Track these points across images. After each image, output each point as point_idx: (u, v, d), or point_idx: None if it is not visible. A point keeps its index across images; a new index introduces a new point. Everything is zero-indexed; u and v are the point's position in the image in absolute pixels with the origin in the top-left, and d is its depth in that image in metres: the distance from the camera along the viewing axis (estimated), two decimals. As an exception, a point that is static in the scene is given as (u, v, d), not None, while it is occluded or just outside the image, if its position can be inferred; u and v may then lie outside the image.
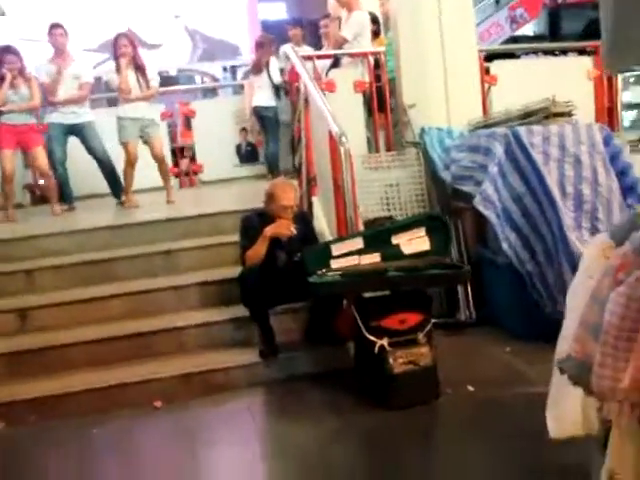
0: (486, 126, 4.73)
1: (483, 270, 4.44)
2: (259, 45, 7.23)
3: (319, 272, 3.49)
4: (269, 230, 3.73)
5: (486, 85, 5.51)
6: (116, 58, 5.87)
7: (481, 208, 4.18)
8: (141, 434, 3.53)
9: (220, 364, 3.82)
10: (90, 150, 6.20)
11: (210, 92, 9.69)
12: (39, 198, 7.06)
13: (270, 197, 3.85)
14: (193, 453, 3.23)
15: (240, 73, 9.95)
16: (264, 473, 3.08)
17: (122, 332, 4.02)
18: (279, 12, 15.69)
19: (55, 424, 3.56)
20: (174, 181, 7.04)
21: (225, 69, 10.10)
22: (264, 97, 7.05)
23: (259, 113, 7.13)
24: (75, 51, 6.43)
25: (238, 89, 9.05)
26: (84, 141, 6.19)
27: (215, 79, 11.50)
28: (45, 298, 4.32)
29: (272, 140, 7.16)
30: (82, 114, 6.18)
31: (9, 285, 4.48)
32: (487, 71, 5.60)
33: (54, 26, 6.12)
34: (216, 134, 7.47)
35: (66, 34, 6.14)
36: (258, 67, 7.07)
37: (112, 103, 6.48)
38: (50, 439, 3.48)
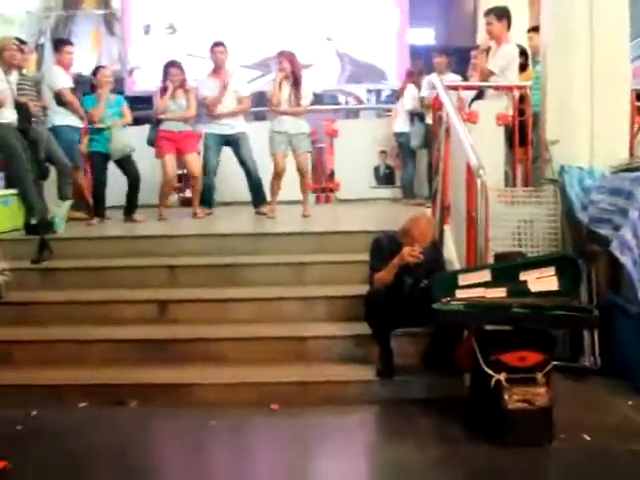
0: (631, 169, 4.58)
1: (613, 317, 4.29)
2: (409, 74, 7.42)
3: (444, 300, 3.54)
4: (399, 259, 3.81)
5: (636, 126, 5.31)
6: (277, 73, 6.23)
7: (617, 253, 4.05)
8: (255, 433, 3.72)
9: (338, 377, 3.96)
10: (241, 160, 6.59)
11: (353, 113, 9.97)
12: (184, 200, 7.55)
13: (406, 233, 3.91)
14: (301, 459, 3.38)
15: (383, 97, 10.28)
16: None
17: (249, 334, 4.27)
18: (427, 38, 15.88)
19: (179, 410, 3.84)
20: (311, 196, 7.31)
21: (369, 92, 10.38)
22: (400, 123, 7.24)
23: (397, 138, 7.34)
24: (232, 67, 6.84)
25: (381, 112, 9.24)
26: (237, 151, 6.58)
27: (359, 100, 11.84)
28: (183, 293, 4.66)
29: (406, 165, 7.31)
30: (237, 126, 6.58)
31: (152, 278, 4.87)
32: (638, 111, 5.39)
33: (216, 44, 6.58)
34: (356, 154, 7.67)
35: (226, 51, 6.56)
36: (400, 94, 7.28)
37: (260, 117, 6.84)
38: (172, 423, 3.78)
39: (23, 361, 4.29)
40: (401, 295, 3.83)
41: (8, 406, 3.84)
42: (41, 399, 3.94)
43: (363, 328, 4.04)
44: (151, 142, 6.47)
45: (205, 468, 3.40)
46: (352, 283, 4.55)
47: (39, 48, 15.71)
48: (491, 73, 5.72)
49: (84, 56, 11.57)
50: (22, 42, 6.38)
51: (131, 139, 6.42)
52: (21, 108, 5.73)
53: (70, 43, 6.69)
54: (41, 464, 3.30)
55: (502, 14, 5.78)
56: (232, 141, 6.58)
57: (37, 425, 3.74)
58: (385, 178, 7.93)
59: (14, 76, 5.75)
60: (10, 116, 5.60)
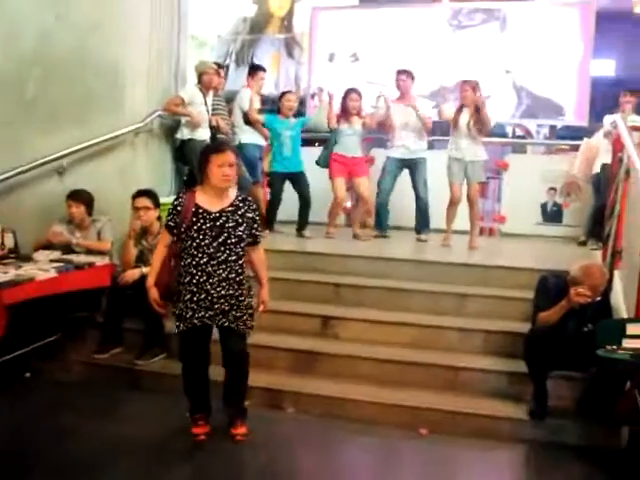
0: None
1: None
2: None
3: (609, 347, 3.47)
4: (567, 302, 3.77)
5: None
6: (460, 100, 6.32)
7: None
8: (401, 454, 3.83)
9: (489, 411, 3.98)
10: (414, 185, 6.74)
11: (520, 147, 9.80)
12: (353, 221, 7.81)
13: (577, 282, 3.83)
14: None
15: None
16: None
17: (405, 358, 4.40)
18: (607, 69, 15.19)
19: (332, 422, 4.06)
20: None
21: (539, 126, 10.14)
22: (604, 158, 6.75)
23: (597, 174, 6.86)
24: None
25: (551, 148, 9.03)
26: (412, 175, 6.75)
27: (529, 133, 11.60)
28: (347, 311, 4.89)
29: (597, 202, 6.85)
30: (417, 151, 6.74)
31: (319, 293, 5.14)
32: None
33: (400, 72, 6.79)
34: (523, 189, 7.56)
35: (410, 79, 6.74)
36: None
37: (440, 145, 6.93)
38: (324, 433, 3.98)
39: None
40: (563, 337, 3.79)
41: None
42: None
43: (518, 365, 4.04)
44: (321, 163, 6.80)
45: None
46: (511, 319, 4.56)
47: (225, 68, 17.00)
48: None
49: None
50: (219, 66, 6.97)
51: (305, 160, 6.80)
52: (214, 126, 6.28)
53: (264, 69, 7.20)
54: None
55: None
56: (411, 165, 6.74)
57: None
58: (552, 215, 7.74)
59: (210, 97, 6.31)
60: (204, 134, 6.15)
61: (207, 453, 3.65)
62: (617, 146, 5.12)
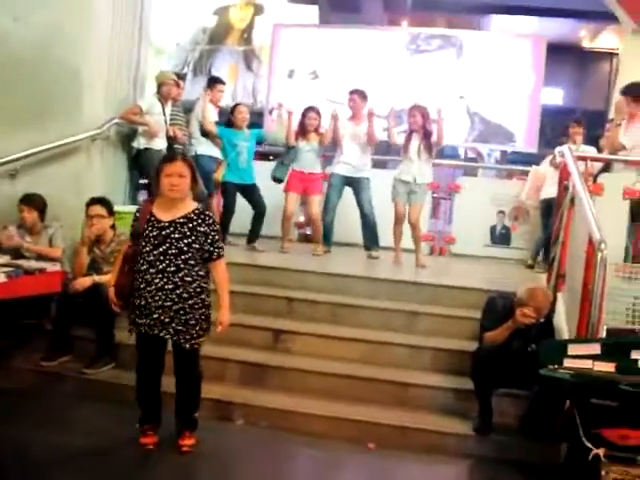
0: None
1: None
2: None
3: (551, 366, 3.60)
4: (513, 322, 3.91)
5: None
6: (409, 125, 6.48)
7: None
8: (348, 467, 3.90)
9: (436, 426, 4.08)
10: (359, 203, 6.86)
11: (471, 170, 10.06)
12: (304, 237, 7.90)
13: (522, 304, 3.99)
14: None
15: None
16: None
17: (355, 373, 4.47)
18: (555, 98, 15.75)
19: (280, 435, 4.08)
20: (425, 246, 7.48)
21: (491, 150, 10.45)
22: (550, 189, 6.94)
23: (548, 203, 7.09)
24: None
25: (501, 173, 9.29)
26: (356, 194, 6.87)
27: (480, 155, 11.93)
28: (299, 326, 4.93)
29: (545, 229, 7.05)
30: (362, 169, 6.87)
31: (270, 307, 5.17)
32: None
33: (352, 92, 6.93)
34: (473, 211, 7.77)
35: (362, 99, 6.88)
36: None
37: (381, 165, 7.10)
38: (271, 445, 4.00)
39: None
40: (508, 356, 3.92)
41: (132, 404, 4.23)
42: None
43: (465, 383, 4.16)
44: (277, 176, 6.87)
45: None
46: (459, 337, 4.69)
47: (184, 79, 16.97)
48: (623, 147, 5.72)
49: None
50: (179, 76, 6.99)
51: (261, 175, 6.87)
52: (170, 136, 6.29)
53: (222, 82, 7.24)
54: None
55: (638, 95, 5.79)
56: (354, 183, 6.87)
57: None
58: (501, 238, 7.97)
59: (168, 107, 6.32)
60: (162, 144, 6.16)
61: (154, 463, 3.63)
62: (563, 175, 5.32)
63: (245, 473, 3.75)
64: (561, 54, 14.23)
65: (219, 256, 3.62)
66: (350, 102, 6.90)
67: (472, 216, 7.75)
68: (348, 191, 6.96)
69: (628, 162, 5.75)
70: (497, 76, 8.25)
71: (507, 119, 8.36)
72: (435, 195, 8.03)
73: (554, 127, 9.65)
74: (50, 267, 4.73)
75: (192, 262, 3.52)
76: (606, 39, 14.14)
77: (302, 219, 7.95)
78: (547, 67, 8.76)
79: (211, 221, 3.57)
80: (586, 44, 14.19)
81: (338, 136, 6.81)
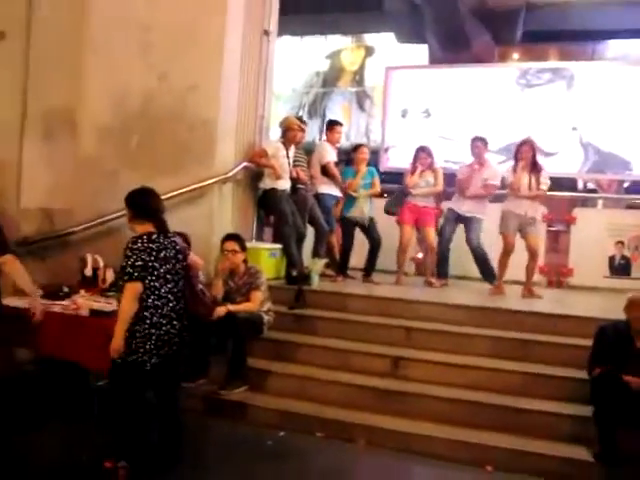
0: None
1: None
2: None
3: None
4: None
5: None
6: (516, 160, 6.65)
7: None
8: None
9: (556, 452, 4.18)
10: (468, 240, 7.06)
11: (589, 201, 9.95)
12: (420, 269, 8.12)
13: (629, 306, 4.16)
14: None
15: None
16: None
17: (473, 399, 4.65)
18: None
19: (398, 455, 4.34)
20: (541, 278, 7.51)
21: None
22: None
23: None
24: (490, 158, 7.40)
25: (620, 202, 9.15)
26: (467, 230, 7.08)
27: (600, 187, 11.70)
28: (417, 353, 5.18)
29: None
30: (474, 211, 7.10)
31: (389, 336, 5.45)
32: None
33: (476, 138, 7.20)
34: (591, 242, 7.72)
35: (485, 146, 7.17)
36: None
37: (497, 199, 7.26)
38: (388, 465, 4.27)
39: (275, 390, 5.10)
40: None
41: (264, 425, 4.64)
42: (288, 423, 4.68)
43: (585, 410, 4.23)
44: (388, 211, 7.20)
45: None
46: (574, 366, 4.74)
47: (306, 123, 17.66)
48: None
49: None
50: (302, 121, 7.50)
51: (378, 208, 7.21)
52: (294, 177, 6.76)
53: (340, 124, 7.70)
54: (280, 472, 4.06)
55: None
56: (466, 220, 7.07)
57: (283, 443, 4.46)
58: (620, 269, 7.85)
59: (292, 150, 6.82)
60: (285, 184, 6.63)
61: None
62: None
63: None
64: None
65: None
66: (475, 149, 7.16)
67: (589, 247, 7.70)
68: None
69: None
70: (609, 105, 8.20)
71: (622, 147, 8.26)
72: (551, 227, 8.04)
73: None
74: (190, 298, 5.23)
75: None
76: None
77: (420, 255, 8.14)
78: None
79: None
80: None
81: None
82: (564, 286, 7.93)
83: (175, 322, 3.85)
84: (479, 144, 7.16)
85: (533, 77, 8.58)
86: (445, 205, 7.41)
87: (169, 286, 3.83)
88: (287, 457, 4.30)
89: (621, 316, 4.44)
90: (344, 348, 5.37)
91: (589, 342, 4.54)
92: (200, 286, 4.19)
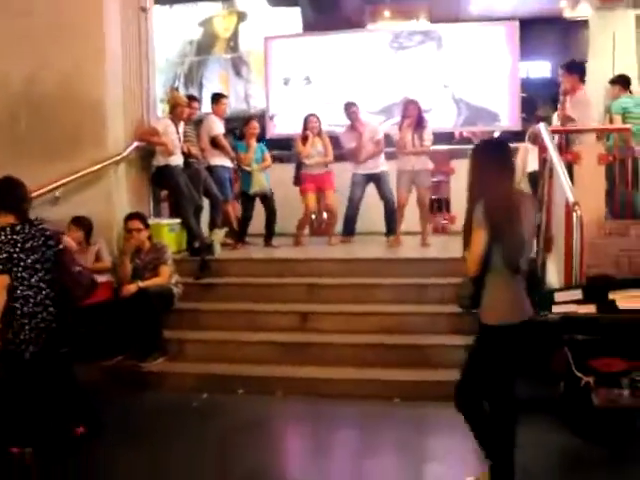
0: None
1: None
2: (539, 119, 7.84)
3: (542, 314, 4.22)
4: None
5: None
6: (402, 118, 7.10)
7: None
8: (379, 418, 4.51)
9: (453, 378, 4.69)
10: (381, 195, 7.49)
11: (467, 151, 10.60)
12: (317, 229, 8.47)
13: None
14: (416, 441, 4.16)
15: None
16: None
17: (377, 342, 5.11)
18: (543, 70, 16.25)
19: (315, 400, 4.73)
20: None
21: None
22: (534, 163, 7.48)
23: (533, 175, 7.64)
24: (365, 116, 7.82)
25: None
26: (378, 188, 7.50)
27: (475, 135, 12.44)
28: (322, 307, 5.57)
29: None
30: (379, 165, 7.52)
31: (294, 294, 5.81)
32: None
33: (349, 104, 7.59)
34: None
35: (358, 109, 7.58)
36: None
37: (390, 157, 7.72)
38: (310, 411, 4.67)
39: (193, 356, 5.35)
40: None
41: (187, 390, 4.90)
42: (210, 385, 4.96)
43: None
44: (297, 182, 7.55)
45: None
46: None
47: (174, 91, 17.45)
48: (570, 119, 6.28)
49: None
50: (191, 98, 7.61)
51: (271, 175, 7.50)
52: (185, 152, 6.91)
53: (225, 96, 7.88)
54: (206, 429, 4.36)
55: (572, 67, 6.44)
56: (374, 179, 7.49)
57: (208, 404, 4.75)
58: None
59: (181, 126, 6.94)
60: (178, 160, 6.76)
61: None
62: (541, 149, 5.91)
63: (279, 432, 4.41)
64: (545, 26, 14.64)
65: None
66: (349, 114, 7.56)
67: (464, 194, 8.29)
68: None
69: (603, 130, 6.41)
70: (476, 62, 8.79)
71: (490, 102, 8.91)
72: (432, 179, 8.60)
73: (544, 99, 10.28)
74: (100, 278, 5.35)
75: None
76: (584, 8, 14.58)
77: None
78: (532, 41, 9.20)
79: None
80: (567, 14, 14.53)
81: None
82: (448, 232, 8.55)
83: (50, 309, 3.82)
84: (354, 109, 7.55)
85: (405, 40, 9.03)
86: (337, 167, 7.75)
87: (39, 275, 3.78)
88: (213, 415, 4.59)
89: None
90: (253, 309, 5.69)
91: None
92: (77, 268, 4.08)
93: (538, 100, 12.21)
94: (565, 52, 15.45)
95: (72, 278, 4.00)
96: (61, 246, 3.97)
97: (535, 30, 13.91)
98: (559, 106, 6.59)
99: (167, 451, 4.05)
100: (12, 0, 6.04)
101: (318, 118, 7.48)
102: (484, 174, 3.26)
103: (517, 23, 8.73)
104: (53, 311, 3.86)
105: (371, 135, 7.50)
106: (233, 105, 15.01)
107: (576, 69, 6.49)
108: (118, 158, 6.21)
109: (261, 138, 8.11)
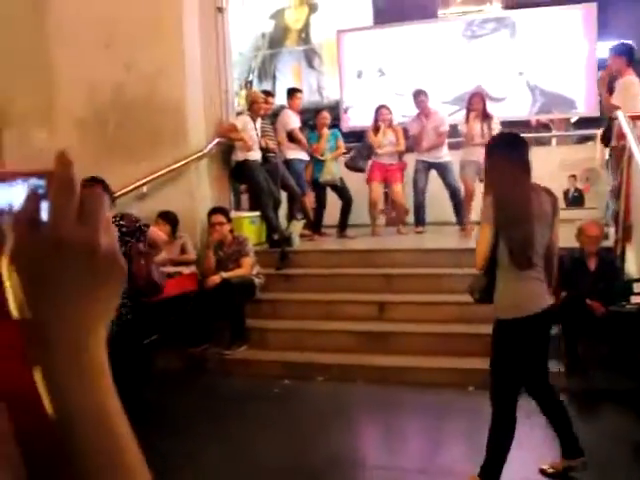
0: None
1: None
2: None
3: (620, 304, 4.24)
4: None
5: None
6: (468, 111, 7.14)
7: None
8: (454, 405, 4.61)
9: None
10: (446, 184, 7.56)
11: (544, 139, 10.50)
12: (391, 220, 8.60)
13: (579, 233, 4.78)
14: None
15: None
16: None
17: (451, 331, 5.21)
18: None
19: (392, 388, 4.88)
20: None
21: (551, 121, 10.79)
22: None
23: None
24: (435, 104, 7.86)
25: (567, 140, 9.70)
26: (442, 177, 7.57)
27: (552, 122, 12.26)
28: (399, 297, 5.71)
29: None
30: (442, 156, 7.58)
31: (371, 284, 5.96)
32: None
33: (418, 92, 7.65)
34: (545, 178, 8.25)
35: (427, 98, 7.63)
36: None
37: (456, 147, 7.74)
38: (387, 398, 4.79)
39: (275, 345, 5.58)
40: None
41: (269, 377, 5.14)
42: (290, 373, 5.18)
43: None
44: (351, 166, 7.65)
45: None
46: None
47: (248, 85, 17.79)
48: (615, 107, 6.06)
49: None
50: (267, 94, 7.85)
51: (344, 169, 7.66)
52: (263, 147, 7.15)
53: (300, 90, 8.09)
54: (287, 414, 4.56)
55: (619, 50, 6.22)
56: (437, 167, 7.55)
57: (289, 390, 4.97)
58: (574, 200, 8.43)
59: (258, 122, 7.18)
60: (256, 155, 7.00)
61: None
62: (619, 137, 5.83)
63: (358, 417, 4.57)
64: (630, 2, 14.13)
65: None
66: (417, 102, 7.63)
67: (543, 182, 8.22)
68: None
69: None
70: (551, 49, 8.65)
71: (566, 88, 8.76)
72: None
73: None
74: (186, 270, 5.67)
75: None
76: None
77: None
78: (616, 17, 8.78)
79: None
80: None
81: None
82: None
83: (125, 300, 3.98)
84: (422, 97, 7.59)
85: (478, 28, 9.00)
86: (411, 158, 7.84)
87: None
88: (294, 401, 4.81)
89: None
90: (332, 299, 5.87)
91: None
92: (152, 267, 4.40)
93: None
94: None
95: (140, 275, 4.26)
96: (142, 240, 4.24)
97: (619, 6, 13.53)
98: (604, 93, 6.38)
99: (250, 435, 4.29)
100: (95, 8, 6.36)
101: (389, 109, 7.59)
102: (495, 169, 3.22)
103: (594, 5, 8.54)
104: (127, 302, 4.09)
105: (435, 124, 7.53)
106: (306, 97, 15.25)
107: (624, 52, 6.26)
108: (200, 154, 6.49)
109: (334, 125, 8.27)
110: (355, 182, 7.76)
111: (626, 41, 6.69)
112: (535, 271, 3.16)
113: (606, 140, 6.22)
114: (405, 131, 7.74)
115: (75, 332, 0.51)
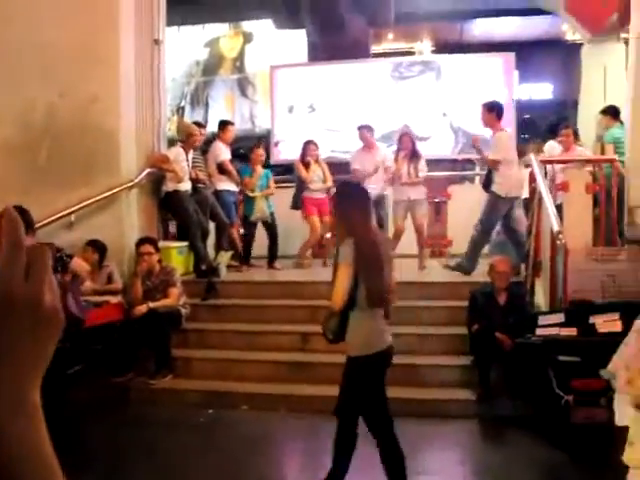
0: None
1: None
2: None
3: (526, 336, 4.53)
4: None
5: None
6: (398, 150, 7.43)
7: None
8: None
9: (441, 396, 5.00)
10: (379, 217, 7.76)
11: (468, 178, 10.96)
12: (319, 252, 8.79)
13: (490, 269, 5.11)
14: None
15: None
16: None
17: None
18: (545, 93, 16.64)
19: (318, 418, 4.98)
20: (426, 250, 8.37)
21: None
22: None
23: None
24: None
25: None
26: (376, 210, 7.73)
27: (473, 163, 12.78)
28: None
29: None
30: (379, 189, 7.69)
31: (297, 315, 6.10)
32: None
33: (362, 127, 7.89)
34: (467, 215, 8.64)
35: (370, 132, 7.87)
36: None
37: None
38: (310, 426, 4.91)
39: (200, 374, 5.65)
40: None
41: (194, 406, 5.19)
42: (215, 402, 5.25)
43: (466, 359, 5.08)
44: (296, 206, 7.84)
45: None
46: (459, 324, 5.56)
47: (180, 111, 17.80)
48: (497, 162, 6.55)
49: (219, 116, 13.14)
50: (199, 125, 7.97)
51: (275, 198, 7.83)
52: (194, 178, 7.25)
53: (232, 123, 8.23)
54: (213, 443, 4.62)
55: (490, 107, 6.77)
56: (375, 201, 7.76)
57: (214, 419, 5.04)
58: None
59: (191, 154, 7.29)
60: (187, 186, 7.09)
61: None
62: (530, 179, 6.24)
63: (280, 445, 4.68)
64: (547, 49, 14.98)
65: None
66: (361, 135, 7.86)
67: (465, 219, 8.60)
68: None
69: (590, 160, 6.74)
70: (474, 92, 9.12)
71: (486, 130, 9.20)
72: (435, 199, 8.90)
73: (545, 118, 10.62)
74: (113, 299, 5.68)
75: None
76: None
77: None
78: (534, 62, 9.32)
79: None
80: (569, 37, 14.80)
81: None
82: (446, 255, 8.84)
83: None
84: (364, 131, 7.85)
85: (405, 70, 9.42)
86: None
87: None
88: (218, 429, 4.88)
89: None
90: (257, 330, 5.99)
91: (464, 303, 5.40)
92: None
93: (539, 121, 12.59)
94: (566, 74, 15.87)
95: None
96: (62, 271, 4.22)
97: (537, 53, 14.33)
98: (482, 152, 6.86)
99: (175, 463, 4.34)
100: (33, 33, 6.36)
101: (316, 145, 7.82)
102: (351, 214, 3.37)
103: (513, 55, 9.10)
104: None
105: (382, 159, 7.76)
106: (238, 125, 15.39)
107: (494, 107, 6.79)
108: (130, 184, 6.53)
109: (267, 164, 8.46)
110: (287, 217, 7.92)
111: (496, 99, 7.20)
112: (381, 309, 3.38)
113: (486, 186, 6.66)
114: (335, 166, 7.95)
115: (16, 388, 0.54)
